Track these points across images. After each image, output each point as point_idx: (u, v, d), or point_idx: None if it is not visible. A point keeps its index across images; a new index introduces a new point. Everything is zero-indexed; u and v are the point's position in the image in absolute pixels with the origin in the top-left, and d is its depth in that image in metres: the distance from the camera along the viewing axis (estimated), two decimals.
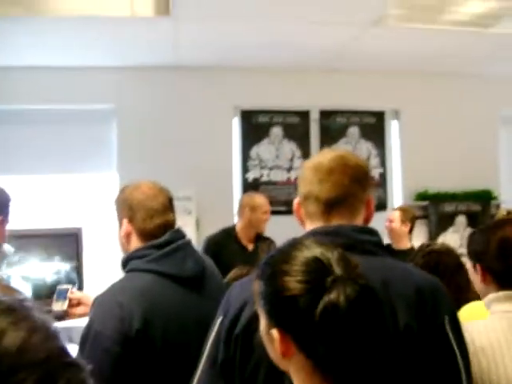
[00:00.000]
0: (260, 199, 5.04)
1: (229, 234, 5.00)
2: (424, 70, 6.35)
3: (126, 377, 1.97)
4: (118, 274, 2.37)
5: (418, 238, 6.32)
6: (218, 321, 1.64)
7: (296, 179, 6.07)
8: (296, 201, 1.78)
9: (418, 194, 6.48)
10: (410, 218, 5.28)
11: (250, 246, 4.96)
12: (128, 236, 2.31)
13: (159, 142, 6.07)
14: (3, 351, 0.60)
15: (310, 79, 6.30)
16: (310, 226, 1.72)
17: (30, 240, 4.19)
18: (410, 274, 1.65)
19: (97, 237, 5.68)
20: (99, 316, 2.07)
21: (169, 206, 2.33)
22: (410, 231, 5.30)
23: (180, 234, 2.31)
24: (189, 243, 2.32)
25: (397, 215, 5.20)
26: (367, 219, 1.76)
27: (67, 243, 4.32)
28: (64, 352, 0.65)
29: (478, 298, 2.65)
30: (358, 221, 1.72)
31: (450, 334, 1.53)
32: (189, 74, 6.09)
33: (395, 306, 1.50)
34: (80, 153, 5.96)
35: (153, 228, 2.27)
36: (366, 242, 1.64)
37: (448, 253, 3.20)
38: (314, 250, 1.28)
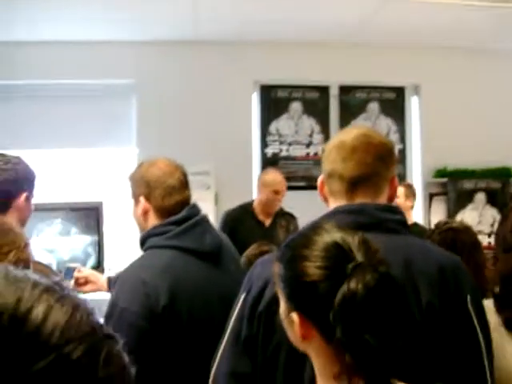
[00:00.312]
0: (272, 177, 4.97)
1: (246, 209, 5.02)
2: (445, 45, 6.27)
3: (152, 352, 1.99)
4: (138, 249, 2.40)
5: (437, 215, 6.32)
6: (242, 298, 1.66)
7: (315, 154, 6.07)
8: (320, 178, 1.79)
9: (437, 170, 6.45)
10: (413, 193, 5.53)
11: (268, 222, 4.96)
12: (145, 214, 2.31)
13: (178, 116, 6.08)
14: (52, 325, 0.63)
15: (330, 54, 6.26)
16: (334, 203, 1.72)
17: (51, 213, 4.24)
18: (432, 252, 1.66)
19: (117, 211, 5.73)
20: (123, 293, 2.09)
21: (185, 182, 2.33)
22: (412, 207, 5.54)
23: (196, 210, 2.32)
24: (205, 219, 2.33)
25: (401, 191, 5.34)
26: (391, 197, 1.76)
27: (88, 217, 4.37)
28: (102, 326, 0.70)
29: (492, 275, 2.66)
30: (382, 199, 1.72)
31: (472, 313, 1.54)
32: (208, 48, 6.08)
33: (417, 284, 1.51)
34: (100, 127, 5.99)
35: (172, 205, 2.27)
36: (389, 221, 1.64)
37: (465, 230, 3.20)
38: (334, 235, 1.27)
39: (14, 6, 4.80)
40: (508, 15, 5.28)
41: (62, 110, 5.94)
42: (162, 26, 5.61)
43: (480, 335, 1.53)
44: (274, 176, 4.99)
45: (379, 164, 1.70)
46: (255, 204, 5.02)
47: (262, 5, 5.07)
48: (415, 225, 5.32)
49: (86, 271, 2.93)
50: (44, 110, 5.92)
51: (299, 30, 5.78)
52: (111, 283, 3.04)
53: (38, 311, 0.64)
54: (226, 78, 6.15)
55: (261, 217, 4.98)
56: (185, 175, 2.34)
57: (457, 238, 3.04)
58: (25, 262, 1.68)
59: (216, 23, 5.57)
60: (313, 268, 1.22)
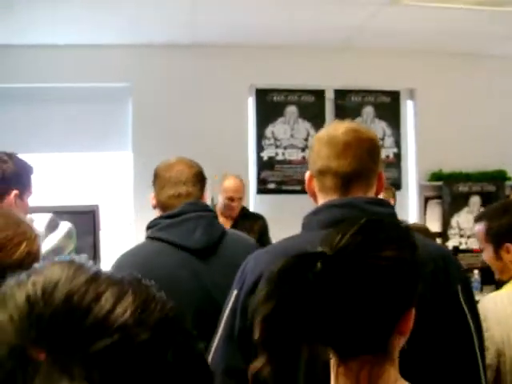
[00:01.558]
0: (227, 183, 5.00)
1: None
2: (440, 50, 6.30)
3: None
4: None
5: (432, 219, 6.34)
6: (234, 293, 1.67)
7: None
8: (308, 174, 1.77)
9: (432, 174, 6.47)
10: (392, 195, 5.47)
11: (228, 225, 4.97)
12: (154, 207, 2.41)
13: (174, 120, 6.08)
14: (123, 308, 0.66)
15: (325, 58, 6.28)
16: (323, 199, 1.71)
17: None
18: (423, 244, 1.66)
19: (112, 214, 5.73)
20: None
21: (187, 177, 2.36)
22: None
23: (196, 207, 2.34)
24: (203, 216, 2.33)
25: (381, 195, 5.34)
26: (378, 192, 1.77)
27: (84, 220, 4.36)
28: (180, 318, 0.74)
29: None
30: (371, 193, 1.73)
31: (463, 302, 1.55)
32: (204, 52, 6.09)
33: None
34: (95, 131, 5.98)
35: (164, 198, 2.35)
36: (379, 214, 1.64)
37: (426, 230, 3.30)
38: None
39: (6, 8, 4.80)
40: (503, 18, 5.30)
41: (57, 113, 5.94)
42: (158, 30, 5.61)
43: (471, 324, 1.54)
44: (230, 183, 5.00)
45: (371, 159, 1.71)
46: (216, 207, 5.04)
47: (258, 10, 5.09)
48: None
49: None
50: (39, 114, 5.92)
51: (295, 35, 5.79)
52: None
53: (108, 295, 0.66)
54: (222, 82, 6.16)
55: (221, 220, 5.00)
56: (190, 171, 2.39)
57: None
58: (35, 254, 1.67)
59: (213, 27, 5.58)
60: None
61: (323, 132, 1.79)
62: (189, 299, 2.12)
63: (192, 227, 2.27)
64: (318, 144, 1.74)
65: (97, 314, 0.64)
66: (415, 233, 1.86)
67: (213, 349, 1.67)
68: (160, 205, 2.36)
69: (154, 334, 0.65)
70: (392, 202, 5.46)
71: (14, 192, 2.43)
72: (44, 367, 0.61)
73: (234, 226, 4.94)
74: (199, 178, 2.41)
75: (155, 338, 0.65)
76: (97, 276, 0.69)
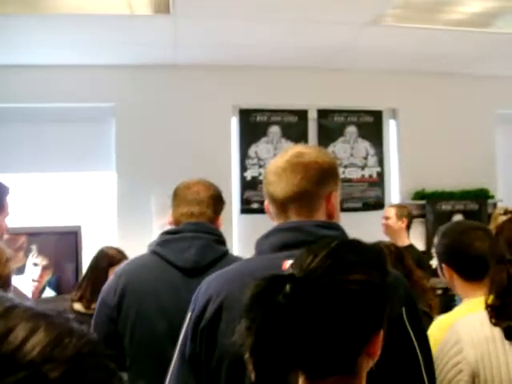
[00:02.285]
0: None
1: None
2: (422, 70, 6.36)
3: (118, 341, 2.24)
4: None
5: (416, 237, 6.34)
6: (188, 317, 1.69)
7: None
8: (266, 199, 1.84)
9: (415, 192, 6.50)
10: (406, 214, 5.23)
11: None
12: (170, 225, 2.48)
13: (157, 140, 6.08)
14: (33, 344, 0.62)
15: (308, 78, 6.31)
16: (276, 223, 1.77)
17: (30, 238, 4.20)
18: None
19: (95, 235, 5.69)
20: (106, 285, 2.35)
21: (202, 198, 2.45)
22: (408, 228, 5.24)
23: (196, 227, 2.39)
24: (199, 237, 2.36)
25: (392, 212, 5.18)
26: (330, 214, 1.76)
27: (67, 241, 4.33)
28: (98, 356, 0.68)
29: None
30: (319, 216, 1.73)
31: (408, 326, 1.54)
32: (188, 72, 6.10)
33: None
34: (79, 151, 5.96)
35: (177, 216, 2.43)
36: (326, 237, 1.62)
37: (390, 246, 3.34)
38: None
39: None
40: (483, 39, 5.37)
41: (41, 133, 5.92)
42: (142, 50, 5.62)
43: (417, 347, 1.53)
44: None
45: (309, 183, 1.71)
46: None
47: (241, 30, 5.11)
48: (410, 247, 5.04)
49: None
50: (23, 133, 5.89)
51: (278, 55, 5.83)
52: None
53: (19, 330, 0.62)
54: (206, 102, 6.17)
55: None
56: (207, 192, 2.48)
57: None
58: (6, 277, 1.63)
59: (196, 47, 5.60)
60: None
61: (273, 159, 1.84)
62: (164, 313, 2.23)
63: (186, 246, 2.32)
64: (266, 171, 1.81)
65: (5, 350, 0.60)
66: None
67: (170, 372, 1.70)
68: (174, 222, 2.44)
69: (66, 372, 0.62)
70: (404, 221, 5.18)
71: None
72: None
73: None
74: (215, 201, 2.50)
75: (67, 376, 0.62)
76: (11, 309, 0.65)
